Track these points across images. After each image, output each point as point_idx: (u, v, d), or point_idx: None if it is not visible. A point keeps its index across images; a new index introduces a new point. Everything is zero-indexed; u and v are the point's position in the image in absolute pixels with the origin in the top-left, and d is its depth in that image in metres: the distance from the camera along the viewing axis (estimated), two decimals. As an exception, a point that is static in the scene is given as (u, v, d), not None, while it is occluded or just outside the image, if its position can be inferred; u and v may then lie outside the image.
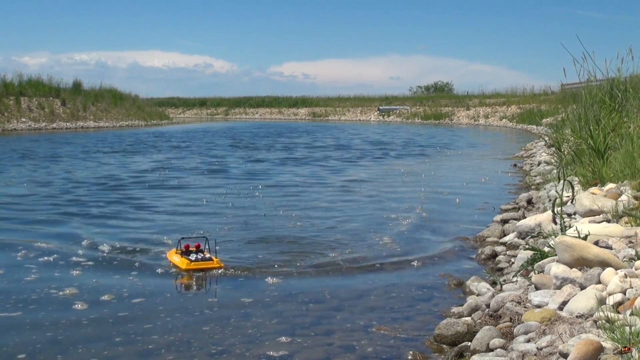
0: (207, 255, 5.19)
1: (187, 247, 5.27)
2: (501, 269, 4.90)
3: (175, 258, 5.27)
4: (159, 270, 5.16)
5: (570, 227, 4.62)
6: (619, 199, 5.00)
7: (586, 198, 5.09)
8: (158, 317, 4.06)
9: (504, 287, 4.10)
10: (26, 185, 10.49)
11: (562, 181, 6.20)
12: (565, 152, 8.35)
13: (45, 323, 3.91)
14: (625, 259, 3.64)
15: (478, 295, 4.13)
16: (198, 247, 5.30)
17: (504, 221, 6.70)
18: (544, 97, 39.44)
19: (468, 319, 3.66)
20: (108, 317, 4.05)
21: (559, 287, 3.48)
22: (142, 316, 4.09)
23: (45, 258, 5.46)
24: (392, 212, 7.94)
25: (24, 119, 30.63)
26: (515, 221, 6.39)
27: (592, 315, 3.03)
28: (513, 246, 5.51)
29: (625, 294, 3.10)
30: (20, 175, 11.85)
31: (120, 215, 7.76)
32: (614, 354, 2.51)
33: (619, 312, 2.93)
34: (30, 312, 4.12)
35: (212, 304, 4.37)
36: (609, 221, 4.68)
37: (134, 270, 5.16)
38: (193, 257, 5.15)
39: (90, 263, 5.35)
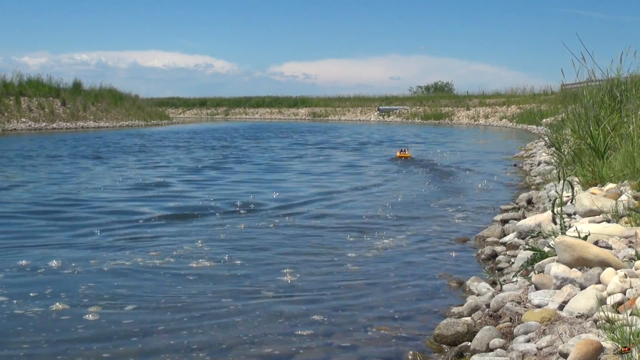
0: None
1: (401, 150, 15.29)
2: (501, 269, 4.89)
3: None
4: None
5: (570, 227, 4.62)
6: (619, 199, 5.00)
7: (586, 198, 5.09)
8: (160, 315, 4.06)
9: (504, 287, 4.10)
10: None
11: (562, 181, 6.20)
12: (565, 152, 8.35)
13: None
14: (625, 259, 3.64)
15: (478, 295, 4.13)
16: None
17: (504, 221, 6.70)
18: (544, 97, 39.48)
19: (468, 319, 3.66)
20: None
21: (559, 287, 3.48)
22: (141, 313, 4.10)
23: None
24: (392, 211, 7.94)
25: (24, 119, 30.61)
26: (515, 221, 6.39)
27: (592, 315, 3.03)
28: (513, 246, 5.50)
29: (625, 294, 3.10)
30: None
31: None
32: (614, 354, 2.51)
33: (619, 312, 2.93)
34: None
35: (209, 302, 4.37)
36: (609, 221, 4.68)
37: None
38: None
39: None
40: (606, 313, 2.85)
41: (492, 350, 3.16)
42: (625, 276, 3.21)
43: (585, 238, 3.95)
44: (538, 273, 3.89)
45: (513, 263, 4.79)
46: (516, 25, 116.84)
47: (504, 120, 41.31)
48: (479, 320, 3.63)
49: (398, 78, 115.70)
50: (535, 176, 10.23)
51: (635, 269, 3.37)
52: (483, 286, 4.26)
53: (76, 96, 35.71)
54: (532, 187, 9.16)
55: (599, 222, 4.64)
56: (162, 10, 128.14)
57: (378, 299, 4.45)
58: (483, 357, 3.04)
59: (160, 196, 9.44)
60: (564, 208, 5.39)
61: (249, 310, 4.21)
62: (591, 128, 7.05)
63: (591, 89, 8.04)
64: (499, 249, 5.53)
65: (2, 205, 8.39)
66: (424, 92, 63.19)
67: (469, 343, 3.35)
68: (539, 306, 3.44)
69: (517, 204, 7.72)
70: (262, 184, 11.07)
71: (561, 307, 3.27)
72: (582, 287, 3.39)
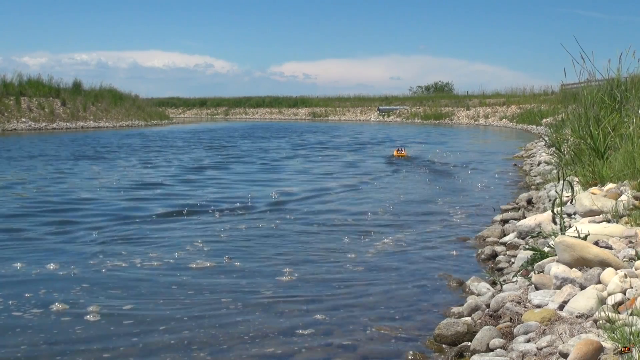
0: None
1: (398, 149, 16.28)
2: (501, 269, 4.89)
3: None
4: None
5: (570, 227, 4.62)
6: (619, 199, 5.00)
7: (586, 198, 5.09)
8: (160, 315, 4.06)
9: (504, 287, 4.10)
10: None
11: (562, 181, 6.19)
12: (565, 152, 8.35)
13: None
14: (625, 259, 3.64)
15: (478, 295, 4.13)
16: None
17: (504, 221, 6.70)
18: (544, 97, 39.52)
19: (468, 319, 3.66)
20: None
21: (559, 287, 3.48)
22: (141, 313, 4.10)
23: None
24: (391, 211, 7.94)
25: (24, 119, 30.60)
26: (515, 221, 6.39)
27: (592, 315, 3.03)
28: (513, 246, 5.50)
29: (625, 294, 3.10)
30: None
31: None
32: (614, 354, 2.51)
33: (619, 312, 2.93)
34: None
35: (209, 302, 4.37)
36: (609, 221, 4.68)
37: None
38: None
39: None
40: (606, 313, 2.85)
41: (492, 350, 3.16)
42: (625, 276, 3.21)
43: (585, 238, 3.95)
44: (538, 273, 3.89)
45: (513, 263, 4.79)
46: (516, 25, 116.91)
47: (504, 120, 41.31)
48: (479, 320, 3.63)
49: (398, 78, 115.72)
50: (535, 176, 10.23)
51: (635, 269, 3.37)
52: (483, 286, 4.26)
53: (76, 96, 35.72)
54: (532, 187, 9.16)
55: (599, 222, 4.64)
56: (162, 10, 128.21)
57: (378, 299, 4.45)
58: (483, 357, 3.03)
59: (159, 196, 9.44)
60: (564, 208, 5.39)
61: (249, 309, 4.21)
62: (591, 128, 7.05)
63: (591, 89, 8.04)
64: (499, 249, 5.53)
65: (0, 205, 8.39)
66: (424, 92, 63.22)
67: (469, 343, 3.34)
68: (539, 306, 3.44)
69: (517, 204, 7.72)
70: (262, 183, 11.07)
71: (561, 307, 3.27)
72: (582, 287, 3.39)
